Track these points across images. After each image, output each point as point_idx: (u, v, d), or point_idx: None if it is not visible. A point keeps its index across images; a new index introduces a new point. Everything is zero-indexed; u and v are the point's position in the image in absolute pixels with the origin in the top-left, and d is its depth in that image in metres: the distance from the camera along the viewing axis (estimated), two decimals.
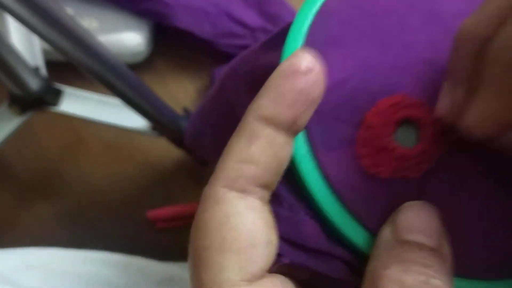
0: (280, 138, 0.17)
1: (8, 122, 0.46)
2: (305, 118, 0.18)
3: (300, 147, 0.18)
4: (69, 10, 0.52)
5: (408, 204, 0.17)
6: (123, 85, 0.38)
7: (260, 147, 0.17)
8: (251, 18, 0.53)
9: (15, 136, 0.47)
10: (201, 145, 0.32)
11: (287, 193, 0.19)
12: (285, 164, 0.18)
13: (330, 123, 0.19)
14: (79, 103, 0.48)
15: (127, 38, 0.53)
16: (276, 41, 0.22)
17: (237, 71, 0.25)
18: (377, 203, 0.18)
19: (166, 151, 0.53)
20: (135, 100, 0.40)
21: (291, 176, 0.19)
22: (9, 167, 0.53)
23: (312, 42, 0.19)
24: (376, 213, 0.18)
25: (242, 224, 0.17)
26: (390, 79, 0.19)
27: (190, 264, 0.17)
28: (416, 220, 0.17)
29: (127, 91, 0.38)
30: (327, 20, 0.20)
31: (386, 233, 0.17)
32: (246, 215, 0.17)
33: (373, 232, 0.18)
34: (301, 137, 0.19)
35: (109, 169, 0.53)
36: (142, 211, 0.51)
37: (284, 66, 0.17)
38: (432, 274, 0.16)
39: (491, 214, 0.18)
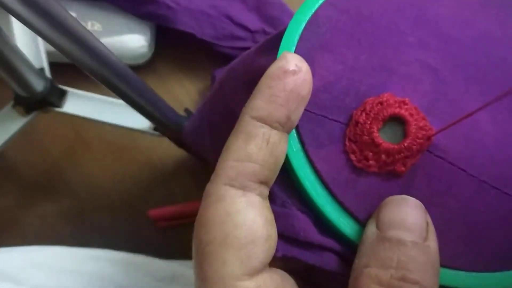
0: (275, 136, 0.18)
1: (12, 122, 0.47)
2: (297, 115, 0.19)
3: (292, 145, 0.20)
4: (73, 14, 0.52)
5: (390, 198, 0.18)
6: (126, 86, 0.38)
7: (257, 145, 0.18)
8: (252, 21, 0.53)
9: (19, 137, 0.48)
10: (200, 144, 0.33)
11: (279, 191, 0.20)
12: (281, 160, 0.19)
13: (320, 121, 0.20)
14: (82, 104, 0.48)
15: (130, 41, 0.53)
16: (271, 45, 0.23)
17: (235, 73, 0.26)
18: (366, 196, 0.19)
19: (167, 151, 0.53)
20: (138, 101, 0.40)
21: (283, 174, 0.20)
22: (13, 167, 0.53)
23: (303, 47, 0.21)
24: (365, 205, 0.19)
25: (243, 221, 0.17)
26: (378, 80, 0.20)
27: (194, 258, 0.18)
28: (397, 214, 0.17)
29: (129, 92, 0.39)
30: (318, 26, 0.21)
31: (370, 228, 0.18)
32: (246, 212, 0.18)
33: (363, 223, 0.19)
34: (293, 135, 0.20)
35: (111, 169, 0.53)
36: (144, 210, 0.51)
37: (274, 68, 0.19)
38: (410, 270, 0.16)
39: (477, 206, 0.19)
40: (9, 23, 0.47)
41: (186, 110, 0.50)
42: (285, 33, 0.21)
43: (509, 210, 0.19)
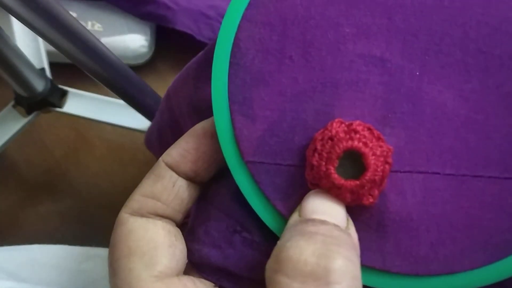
0: (181, 182, 0.20)
1: (13, 123, 0.47)
2: (207, 174, 0.20)
3: (258, 202, 0.19)
4: (73, 14, 0.53)
5: (314, 191, 0.18)
6: (126, 86, 0.38)
7: (163, 185, 0.20)
8: None
9: (20, 137, 0.48)
10: (152, 148, 0.32)
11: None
12: (188, 203, 0.20)
13: (276, 171, 0.19)
14: (83, 104, 0.48)
15: (130, 40, 0.53)
16: (207, 72, 0.21)
17: (180, 88, 0.25)
18: None
19: None
20: (138, 100, 0.40)
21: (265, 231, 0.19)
22: (14, 167, 0.54)
23: (235, 86, 0.19)
24: None
25: (144, 234, 0.19)
26: (322, 102, 0.18)
27: (108, 278, 0.19)
28: (321, 203, 0.17)
29: (130, 92, 0.39)
30: (242, 56, 0.19)
31: (293, 216, 0.18)
32: (147, 226, 0.19)
33: None
34: (255, 190, 0.19)
35: (112, 169, 0.53)
36: None
37: (198, 127, 0.20)
38: (335, 243, 0.16)
39: (465, 203, 0.18)
40: (9, 24, 0.47)
41: None
42: (213, 75, 0.19)
43: (502, 191, 0.17)
